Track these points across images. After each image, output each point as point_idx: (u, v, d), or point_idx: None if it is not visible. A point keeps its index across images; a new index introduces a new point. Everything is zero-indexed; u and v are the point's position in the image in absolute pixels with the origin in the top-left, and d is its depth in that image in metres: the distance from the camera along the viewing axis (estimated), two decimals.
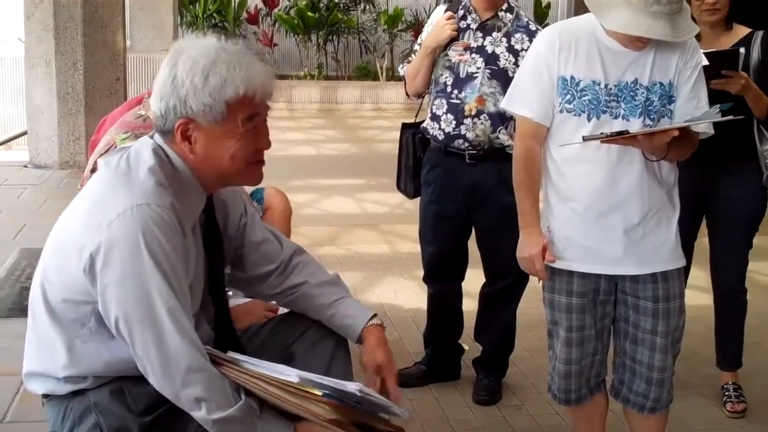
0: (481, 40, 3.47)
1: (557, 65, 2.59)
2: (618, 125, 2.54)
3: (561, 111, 2.60)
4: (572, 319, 2.70)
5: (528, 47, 3.27)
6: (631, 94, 2.56)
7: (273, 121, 2.77)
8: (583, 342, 2.72)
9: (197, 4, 13.71)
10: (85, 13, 7.28)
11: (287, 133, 10.47)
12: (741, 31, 3.44)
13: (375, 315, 2.25)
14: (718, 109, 2.53)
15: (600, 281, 2.68)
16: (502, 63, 3.43)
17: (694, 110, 2.57)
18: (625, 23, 2.41)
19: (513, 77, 2.85)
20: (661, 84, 2.57)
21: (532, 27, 3.50)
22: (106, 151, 2.75)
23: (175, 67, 1.90)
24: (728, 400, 3.65)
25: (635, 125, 2.53)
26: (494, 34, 3.46)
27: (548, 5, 14.65)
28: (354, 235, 6.30)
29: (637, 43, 2.51)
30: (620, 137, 2.44)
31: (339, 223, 6.64)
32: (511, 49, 3.44)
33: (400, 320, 4.48)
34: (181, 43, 1.95)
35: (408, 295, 4.90)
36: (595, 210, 2.61)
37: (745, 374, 3.77)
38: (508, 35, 3.46)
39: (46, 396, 2.07)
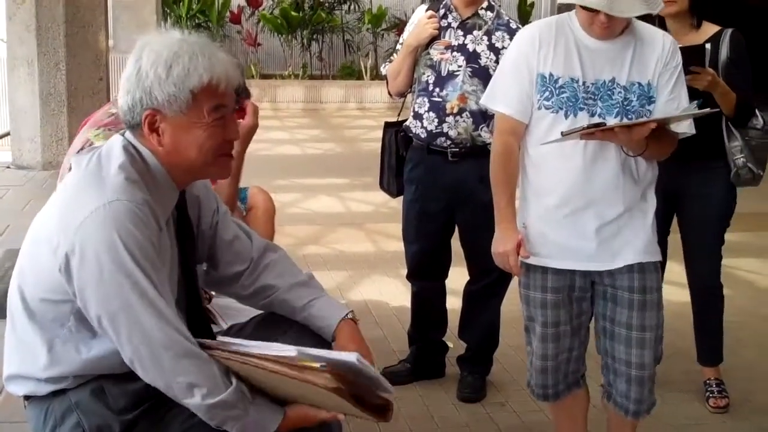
0: (462, 38, 3.48)
1: (537, 62, 2.61)
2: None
3: (539, 108, 2.62)
4: (547, 315, 2.72)
5: (509, 45, 3.28)
6: (609, 93, 2.57)
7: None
8: (559, 338, 2.74)
9: (181, 4, 13.65)
10: (67, 14, 7.27)
11: (271, 132, 10.46)
12: (710, 29, 3.45)
13: (350, 312, 2.24)
14: (695, 104, 2.55)
15: (575, 277, 2.70)
16: (483, 61, 3.44)
17: (675, 111, 2.58)
18: None
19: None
20: (640, 84, 2.58)
21: (513, 25, 3.52)
22: (81, 149, 2.76)
23: (139, 60, 1.93)
24: (711, 395, 3.66)
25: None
26: (475, 32, 3.48)
27: (532, 4, 14.68)
28: (338, 234, 6.30)
29: (596, 28, 2.52)
30: (598, 130, 2.46)
31: (323, 222, 6.64)
32: (491, 47, 3.45)
33: (384, 318, 4.49)
34: (145, 38, 1.98)
35: (392, 293, 4.91)
36: (570, 206, 2.62)
37: (727, 369, 3.79)
38: (488, 33, 3.47)
39: (27, 397, 2.07)
